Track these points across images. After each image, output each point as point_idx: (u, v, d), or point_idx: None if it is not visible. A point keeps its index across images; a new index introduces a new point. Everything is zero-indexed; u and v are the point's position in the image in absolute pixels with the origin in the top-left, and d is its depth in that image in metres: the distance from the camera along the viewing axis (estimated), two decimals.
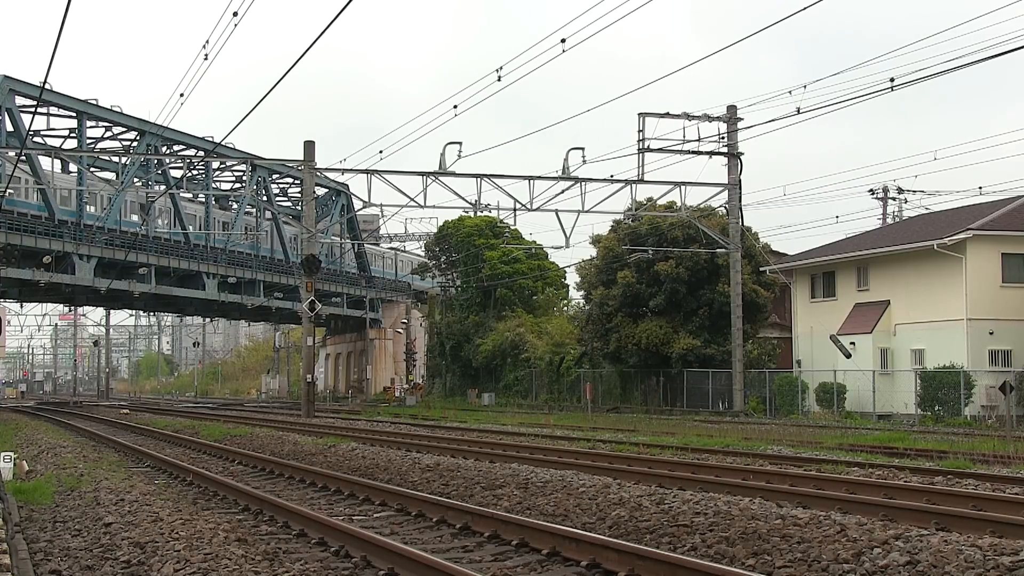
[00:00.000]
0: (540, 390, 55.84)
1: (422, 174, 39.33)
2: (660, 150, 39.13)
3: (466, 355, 64.09)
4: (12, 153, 45.93)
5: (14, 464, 16.65)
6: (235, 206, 70.76)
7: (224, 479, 16.42)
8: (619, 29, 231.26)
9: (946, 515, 11.15)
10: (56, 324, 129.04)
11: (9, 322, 72.33)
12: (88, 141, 57.30)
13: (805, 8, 19.74)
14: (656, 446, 21.87)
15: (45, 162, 55.24)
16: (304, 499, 14.85)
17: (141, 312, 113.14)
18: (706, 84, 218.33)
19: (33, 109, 49.96)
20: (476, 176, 39.52)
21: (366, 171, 39.53)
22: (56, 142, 59.70)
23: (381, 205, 42.37)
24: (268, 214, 71.59)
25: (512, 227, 62.99)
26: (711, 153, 40.51)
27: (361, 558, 9.76)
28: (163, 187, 57.51)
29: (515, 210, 40.34)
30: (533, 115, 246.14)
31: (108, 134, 60.57)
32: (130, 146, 59.72)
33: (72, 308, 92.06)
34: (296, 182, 69.00)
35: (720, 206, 43.16)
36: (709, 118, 39.76)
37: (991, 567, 8.13)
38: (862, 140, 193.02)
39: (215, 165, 62.90)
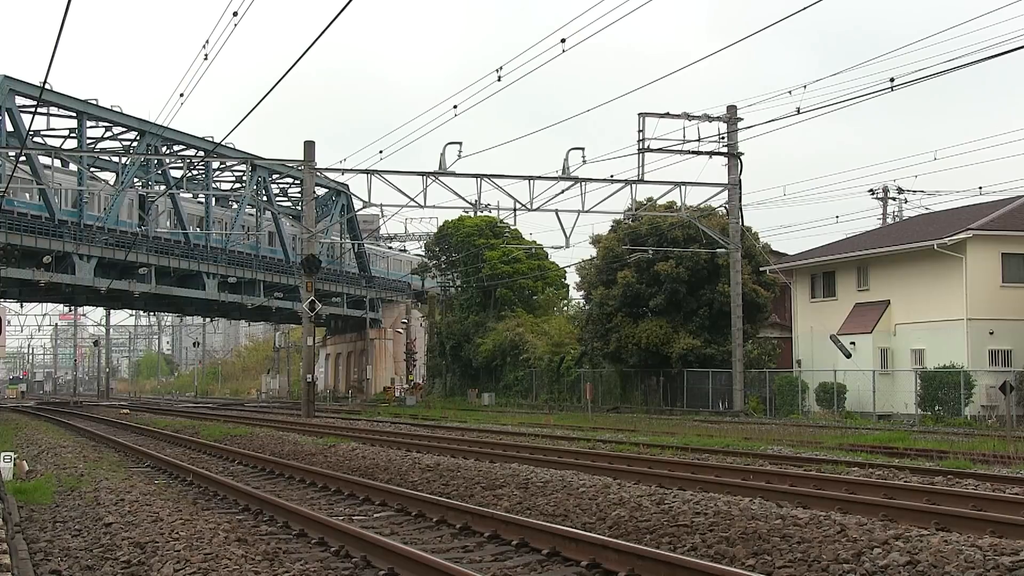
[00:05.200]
0: (540, 390, 55.83)
1: (422, 174, 39.34)
2: (660, 150, 39.16)
3: (466, 355, 64.08)
4: (12, 153, 45.92)
5: (14, 464, 16.65)
6: (235, 206, 70.78)
7: (224, 479, 16.42)
8: (633, 28, 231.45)
9: (946, 515, 11.15)
10: (56, 324, 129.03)
11: (9, 322, 72.33)
12: (88, 141, 57.27)
13: (807, 7, 19.72)
14: (656, 446, 21.87)
15: (46, 161, 55.28)
16: (304, 499, 14.85)
17: (141, 312, 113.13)
18: (721, 81, 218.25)
19: (33, 109, 49.96)
20: (476, 176, 39.53)
21: (366, 171, 39.55)
22: (56, 142, 59.71)
23: (381, 205, 42.44)
24: (268, 214, 71.61)
25: (512, 227, 63.06)
26: (711, 153, 40.53)
27: (361, 558, 9.76)
28: (163, 187, 57.53)
29: (515, 210, 40.37)
30: (534, 115, 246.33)
31: (108, 134, 60.53)
32: (130, 146, 59.70)
33: (72, 308, 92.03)
34: (296, 182, 68.99)
35: (720, 206, 43.16)
36: (709, 118, 39.78)
37: (991, 567, 8.13)
38: (862, 140, 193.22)
39: (215, 165, 62.90)
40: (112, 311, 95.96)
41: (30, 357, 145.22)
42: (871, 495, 13.16)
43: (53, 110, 56.30)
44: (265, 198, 69.85)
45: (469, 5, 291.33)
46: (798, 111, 30.78)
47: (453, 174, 39.04)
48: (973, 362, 35.73)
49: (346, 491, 15.30)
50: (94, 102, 56.22)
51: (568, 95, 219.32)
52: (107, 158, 58.61)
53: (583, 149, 38.70)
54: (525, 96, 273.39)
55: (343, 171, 42.64)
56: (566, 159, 38.87)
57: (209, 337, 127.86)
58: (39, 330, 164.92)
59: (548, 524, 10.76)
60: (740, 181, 41.19)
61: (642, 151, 38.60)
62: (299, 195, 67.11)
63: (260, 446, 24.66)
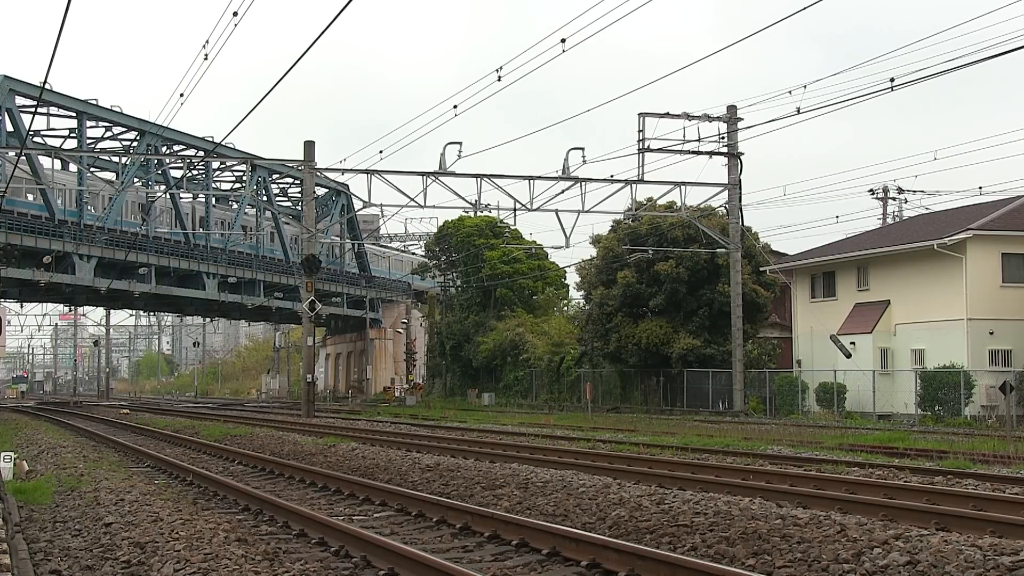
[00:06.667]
0: (540, 390, 55.82)
1: (422, 174, 39.33)
2: (660, 150, 39.15)
3: (466, 355, 64.07)
4: (12, 153, 45.91)
5: (14, 464, 16.65)
6: (235, 206, 70.76)
7: (224, 479, 16.42)
8: (633, 28, 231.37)
9: (946, 515, 11.15)
10: (56, 324, 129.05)
11: (9, 322, 72.33)
12: (88, 141, 57.26)
13: (808, 6, 19.71)
14: (656, 446, 21.87)
15: (45, 161, 55.31)
16: (304, 499, 14.85)
17: (141, 312, 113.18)
18: (723, 81, 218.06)
19: (33, 109, 49.94)
20: (476, 176, 39.53)
21: (366, 171, 39.54)
22: (56, 142, 59.71)
23: (381, 205, 42.41)
24: (268, 214, 71.61)
25: (512, 227, 63.02)
26: (711, 153, 40.51)
27: (361, 558, 9.76)
28: (163, 187, 57.51)
29: (515, 210, 40.36)
30: (534, 115, 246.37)
31: (108, 134, 60.54)
32: (130, 146, 59.70)
33: (72, 308, 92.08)
34: (296, 182, 69.00)
35: (720, 206, 43.15)
36: (709, 118, 39.77)
37: (991, 567, 8.12)
38: (862, 140, 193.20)
39: (215, 165, 62.90)
40: (112, 311, 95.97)
41: (30, 357, 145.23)
42: (871, 495, 13.16)
43: (53, 110, 56.30)
44: (265, 198, 69.85)
45: (471, 5, 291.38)
46: (798, 111, 30.81)
47: (453, 174, 39.05)
48: (973, 362, 35.72)
49: (346, 491, 15.30)
50: (94, 102, 56.21)
51: (568, 95, 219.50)
52: (107, 158, 58.63)
53: (583, 149, 38.77)
54: (525, 96, 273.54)
55: (343, 171, 42.67)
56: (566, 159, 38.90)
57: (209, 337, 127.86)
58: (39, 330, 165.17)
59: (548, 524, 10.76)
60: (740, 181, 41.19)
61: (642, 151, 38.60)
62: (299, 195, 67.10)
63: (260, 446, 24.66)
